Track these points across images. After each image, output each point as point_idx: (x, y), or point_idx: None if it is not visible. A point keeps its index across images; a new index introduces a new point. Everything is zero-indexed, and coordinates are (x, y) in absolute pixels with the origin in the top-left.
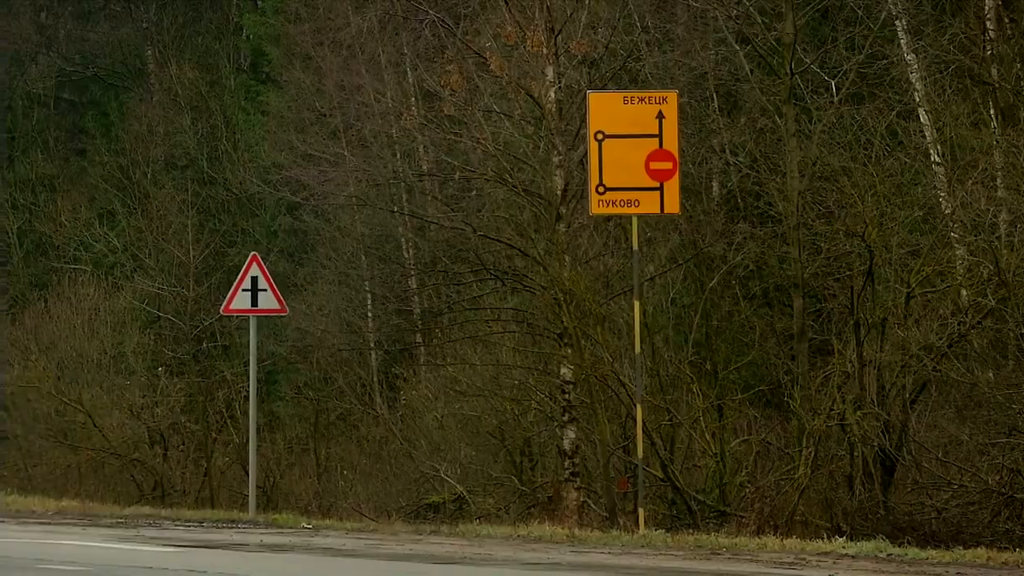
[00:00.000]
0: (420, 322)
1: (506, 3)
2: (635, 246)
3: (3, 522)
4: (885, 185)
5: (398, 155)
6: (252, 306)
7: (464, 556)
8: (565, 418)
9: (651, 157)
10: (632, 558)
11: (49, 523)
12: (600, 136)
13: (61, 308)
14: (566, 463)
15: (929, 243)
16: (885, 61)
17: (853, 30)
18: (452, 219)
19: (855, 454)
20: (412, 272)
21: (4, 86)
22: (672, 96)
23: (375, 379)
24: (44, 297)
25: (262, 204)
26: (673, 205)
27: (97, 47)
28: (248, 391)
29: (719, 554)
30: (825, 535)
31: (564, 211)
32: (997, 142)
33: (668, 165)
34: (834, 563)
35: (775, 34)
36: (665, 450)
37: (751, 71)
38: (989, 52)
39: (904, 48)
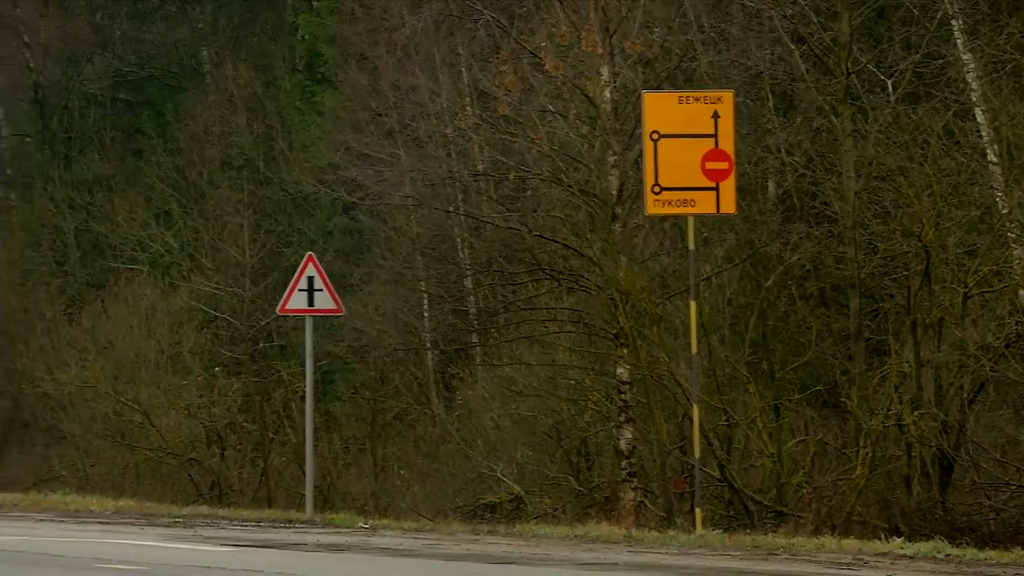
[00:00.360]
0: (476, 322)
1: (561, 3)
2: (691, 246)
3: (61, 521)
4: (941, 185)
5: (453, 155)
6: (308, 306)
7: (521, 556)
8: (622, 418)
9: (707, 157)
10: (689, 558)
11: (107, 522)
12: (655, 136)
13: (118, 308)
14: (623, 463)
15: (986, 243)
16: (941, 60)
17: (909, 29)
18: (507, 219)
19: (913, 454)
20: (468, 272)
21: (60, 86)
22: (728, 96)
23: (431, 379)
24: (101, 297)
25: (318, 204)
26: (729, 205)
27: (153, 47)
28: (305, 391)
29: (776, 554)
30: (883, 536)
31: (620, 211)
32: None
33: (724, 165)
34: (892, 563)
35: (831, 34)
36: (722, 450)
37: (807, 70)
38: None
39: (960, 47)
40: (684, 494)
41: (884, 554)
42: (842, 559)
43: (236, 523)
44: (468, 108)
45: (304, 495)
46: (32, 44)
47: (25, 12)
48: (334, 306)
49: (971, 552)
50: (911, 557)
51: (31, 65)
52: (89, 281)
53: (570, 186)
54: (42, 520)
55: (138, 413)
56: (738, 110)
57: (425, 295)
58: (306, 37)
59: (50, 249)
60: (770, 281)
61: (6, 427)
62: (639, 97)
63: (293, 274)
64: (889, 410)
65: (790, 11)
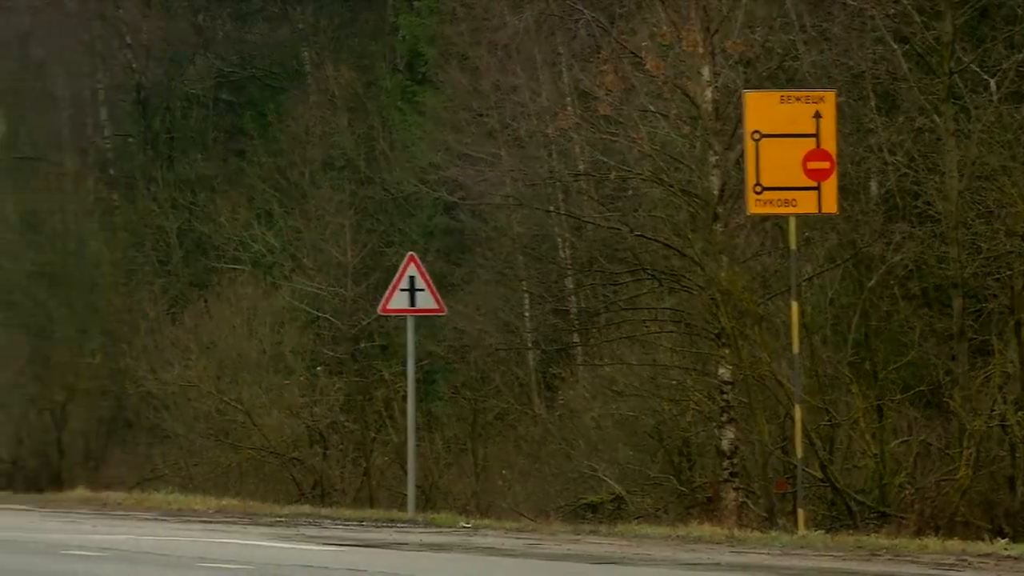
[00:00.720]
0: (577, 322)
1: (662, 2)
2: (792, 246)
3: (165, 520)
4: None
5: (554, 155)
6: (410, 306)
7: (623, 556)
8: (723, 418)
9: (808, 157)
10: (792, 559)
11: (210, 521)
12: (757, 136)
13: (221, 308)
14: (725, 463)
15: None
16: None
17: (1012, 28)
18: (608, 219)
19: (1017, 455)
20: (569, 272)
21: (163, 87)
22: (830, 96)
23: (533, 379)
24: (204, 297)
25: (419, 204)
26: (831, 205)
27: (254, 48)
28: (406, 390)
29: (879, 555)
30: (987, 537)
31: (721, 211)
32: None
33: (825, 165)
34: (996, 565)
35: (933, 33)
36: (824, 450)
37: (909, 70)
38: None
39: None
40: (786, 494)
41: (988, 555)
42: (945, 560)
43: (338, 522)
44: (569, 108)
45: (406, 495)
46: (134, 45)
47: (127, 13)
48: (435, 306)
49: None
50: (1016, 558)
51: (133, 66)
52: (192, 281)
53: (671, 186)
54: (146, 519)
55: (241, 412)
56: (840, 110)
57: (526, 295)
58: (407, 37)
59: (153, 249)
60: (872, 281)
61: (110, 427)
62: (740, 97)
63: (394, 274)
64: (993, 410)
65: (892, 10)
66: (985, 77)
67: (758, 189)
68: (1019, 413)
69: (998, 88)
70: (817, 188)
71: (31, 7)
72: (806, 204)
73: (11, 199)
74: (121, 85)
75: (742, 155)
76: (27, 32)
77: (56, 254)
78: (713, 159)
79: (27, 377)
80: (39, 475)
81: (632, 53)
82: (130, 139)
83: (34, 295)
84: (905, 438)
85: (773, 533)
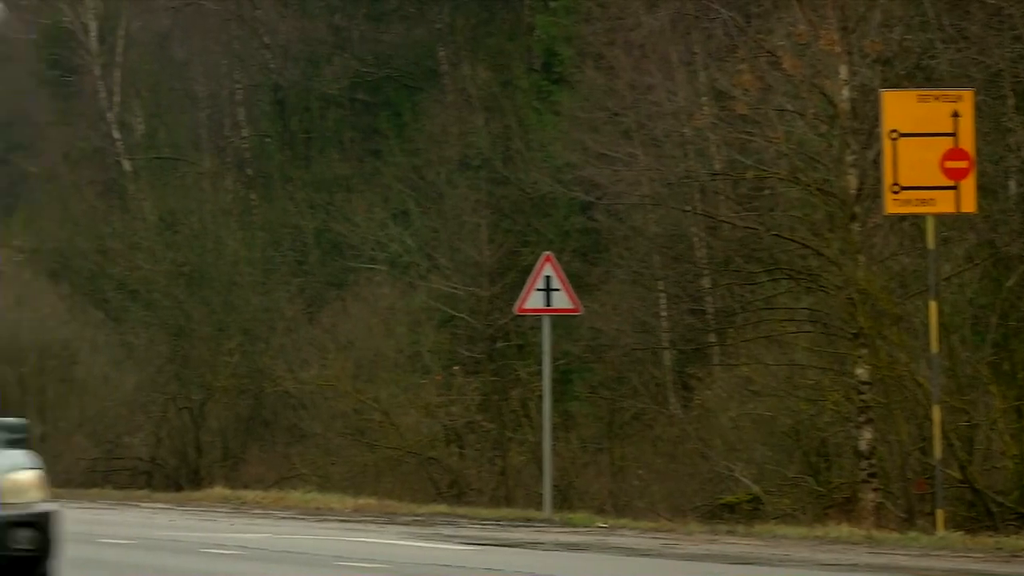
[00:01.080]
0: (713, 321)
1: (798, 2)
2: (931, 246)
3: (303, 519)
4: None
5: (690, 154)
6: (546, 306)
7: (760, 557)
8: (861, 419)
9: (946, 156)
10: (931, 560)
11: (347, 520)
12: (894, 135)
13: (358, 307)
14: (863, 464)
15: None
16: None
17: None
18: (745, 218)
19: None
20: (705, 271)
21: (300, 87)
22: (968, 95)
23: (669, 379)
24: (341, 296)
25: (555, 204)
26: (969, 204)
27: (391, 48)
28: (542, 390)
29: (1019, 557)
30: None
31: (858, 210)
32: None
33: (964, 164)
34: None
35: None
36: (963, 451)
37: None
38: None
39: None
40: (925, 495)
41: None
42: None
43: (475, 522)
44: (705, 107)
45: (542, 494)
46: (272, 45)
47: (265, 13)
48: (572, 305)
49: None
50: None
51: (271, 66)
52: (328, 280)
53: (808, 185)
54: (284, 518)
55: (378, 412)
56: (978, 108)
57: (662, 294)
58: (543, 37)
59: (290, 249)
60: (1011, 281)
61: (248, 425)
62: (878, 96)
63: (530, 274)
64: None
65: None
66: None
67: (896, 188)
68: None
69: None
70: (955, 187)
71: (170, 8)
72: (944, 204)
73: (150, 199)
74: (259, 85)
75: (879, 154)
76: (167, 32)
77: (194, 253)
78: (850, 158)
79: (166, 376)
80: (178, 474)
81: (768, 52)
82: (267, 139)
83: (173, 294)
84: None
85: (911, 534)
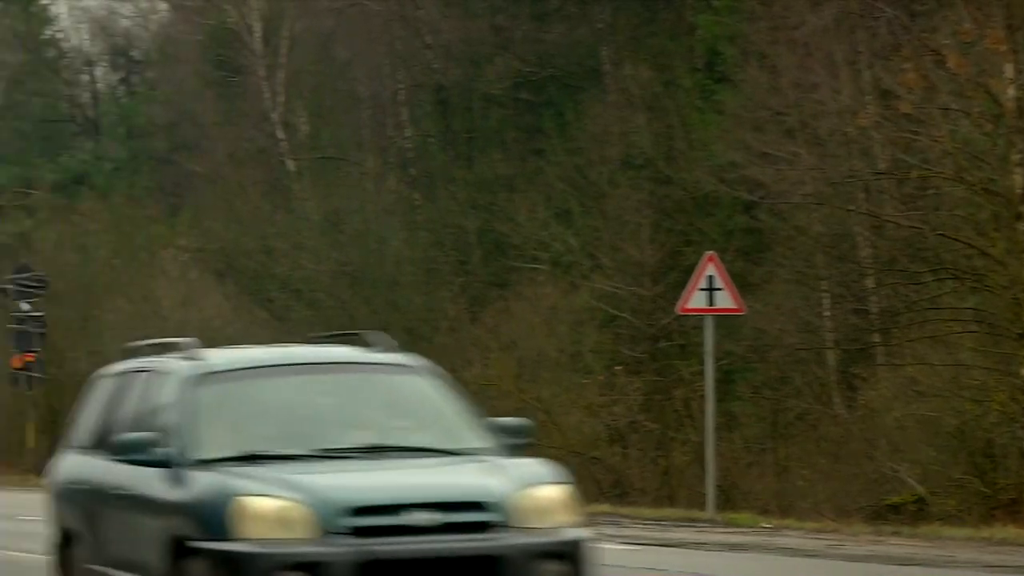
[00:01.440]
0: (878, 321)
1: (964, 0)
2: None
3: None
4: None
5: (854, 153)
6: (708, 305)
7: (925, 558)
8: None
9: None
10: None
11: None
12: None
13: (521, 307)
14: None
15: None
16: None
17: None
18: (910, 218)
19: None
20: (869, 271)
21: (462, 87)
22: None
23: (833, 379)
24: (503, 296)
25: (718, 203)
26: None
27: (553, 48)
28: (705, 390)
29: None
30: None
31: None
32: None
33: None
34: None
35: None
36: None
37: None
38: None
39: None
40: None
41: None
42: None
43: (637, 521)
44: (869, 106)
45: (705, 494)
46: (434, 45)
47: (427, 14)
48: (735, 305)
49: None
50: None
51: (433, 66)
52: (491, 280)
53: (973, 185)
54: None
55: (540, 411)
56: None
57: (826, 294)
58: (705, 36)
59: (453, 248)
60: None
61: None
62: None
63: (693, 273)
64: None
65: None
66: None
67: None
68: None
69: None
70: None
71: (334, 8)
72: None
73: (314, 199)
74: (421, 85)
75: None
76: (330, 33)
77: (358, 253)
78: (1016, 157)
79: None
80: None
81: (933, 51)
82: (430, 139)
83: (337, 294)
84: None
85: None
